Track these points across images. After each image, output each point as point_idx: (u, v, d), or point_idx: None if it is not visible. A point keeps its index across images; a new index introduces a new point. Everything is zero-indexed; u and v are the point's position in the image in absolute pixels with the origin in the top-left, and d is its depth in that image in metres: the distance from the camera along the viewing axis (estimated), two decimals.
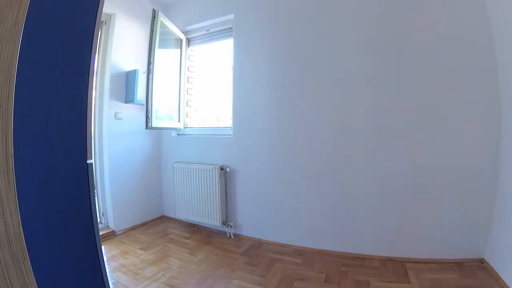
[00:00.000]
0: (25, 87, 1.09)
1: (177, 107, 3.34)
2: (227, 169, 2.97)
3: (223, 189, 2.97)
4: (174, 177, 3.27)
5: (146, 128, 2.79)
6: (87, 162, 1.31)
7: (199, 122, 3.64)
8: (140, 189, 3.37)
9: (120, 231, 3.08)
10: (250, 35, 2.95)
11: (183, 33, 3.40)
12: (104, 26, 3.03)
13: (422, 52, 2.21)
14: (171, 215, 3.53)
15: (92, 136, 2.96)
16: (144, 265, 2.36)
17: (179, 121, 3.35)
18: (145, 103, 2.80)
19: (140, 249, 2.70)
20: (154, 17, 2.83)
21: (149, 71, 2.82)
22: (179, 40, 3.38)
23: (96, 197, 3.02)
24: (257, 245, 2.79)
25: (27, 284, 0.90)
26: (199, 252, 2.64)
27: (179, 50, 3.38)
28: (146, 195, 3.46)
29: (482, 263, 2.13)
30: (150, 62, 2.84)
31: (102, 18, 2.94)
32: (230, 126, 3.12)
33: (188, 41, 3.51)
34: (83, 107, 1.29)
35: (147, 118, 2.77)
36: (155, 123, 2.92)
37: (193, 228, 3.27)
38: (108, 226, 3.06)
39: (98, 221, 2.88)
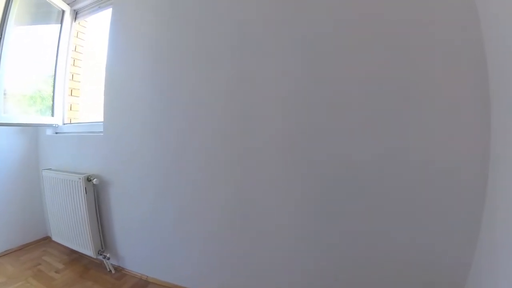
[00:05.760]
0: None
1: (51, 98, 2.62)
2: (94, 180, 2.26)
3: (92, 208, 2.29)
4: (44, 189, 2.57)
5: None
6: None
7: (90, 117, 2.94)
8: (13, 204, 2.63)
9: None
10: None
11: (68, 3, 2.68)
12: None
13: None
14: None
15: None
16: None
17: (53, 115, 2.63)
18: None
19: None
20: None
21: None
22: (61, 12, 2.65)
23: None
24: (142, 285, 2.14)
25: None
26: None
27: (59, 25, 2.65)
28: (23, 212, 2.72)
29: None
30: (1, 38, 2.15)
31: None
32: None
33: (76, 13, 2.78)
34: None
35: None
36: (9, 117, 2.23)
37: (74, 256, 2.54)
38: None
39: None
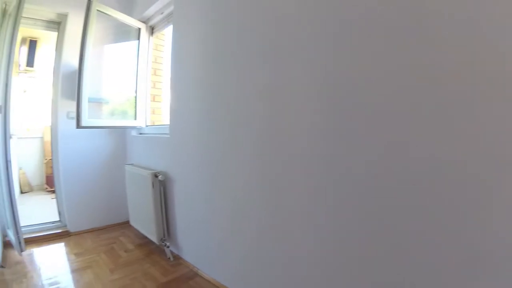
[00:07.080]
0: None
1: (133, 104, 3.09)
2: (160, 177, 2.55)
3: (158, 201, 2.58)
4: (126, 181, 3.09)
5: (77, 127, 2.58)
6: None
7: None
8: (101, 192, 3.30)
9: (75, 232, 3.08)
10: (190, 13, 2.36)
11: (143, 21, 3.10)
12: (60, 26, 3.02)
13: None
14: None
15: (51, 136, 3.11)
16: (59, 273, 2.26)
17: (135, 119, 3.10)
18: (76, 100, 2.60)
19: (75, 254, 2.62)
20: (88, 8, 2.58)
21: (81, 65, 2.58)
22: (137, 30, 3.08)
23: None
24: (191, 276, 2.28)
25: None
26: (122, 270, 2.34)
27: (137, 41, 3.09)
28: (109, 198, 3.36)
29: None
30: (82, 57, 2.61)
31: (58, 19, 3.00)
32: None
33: (152, 29, 3.18)
34: None
35: (78, 115, 2.56)
36: (90, 121, 2.70)
37: (145, 240, 2.94)
38: (66, 226, 3.08)
39: (57, 219, 3.02)
